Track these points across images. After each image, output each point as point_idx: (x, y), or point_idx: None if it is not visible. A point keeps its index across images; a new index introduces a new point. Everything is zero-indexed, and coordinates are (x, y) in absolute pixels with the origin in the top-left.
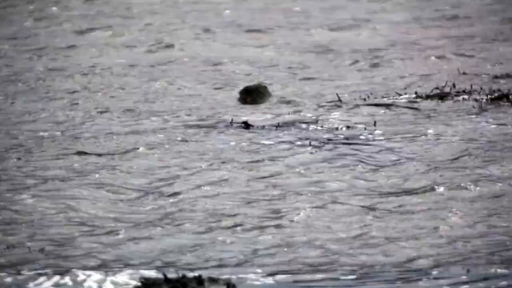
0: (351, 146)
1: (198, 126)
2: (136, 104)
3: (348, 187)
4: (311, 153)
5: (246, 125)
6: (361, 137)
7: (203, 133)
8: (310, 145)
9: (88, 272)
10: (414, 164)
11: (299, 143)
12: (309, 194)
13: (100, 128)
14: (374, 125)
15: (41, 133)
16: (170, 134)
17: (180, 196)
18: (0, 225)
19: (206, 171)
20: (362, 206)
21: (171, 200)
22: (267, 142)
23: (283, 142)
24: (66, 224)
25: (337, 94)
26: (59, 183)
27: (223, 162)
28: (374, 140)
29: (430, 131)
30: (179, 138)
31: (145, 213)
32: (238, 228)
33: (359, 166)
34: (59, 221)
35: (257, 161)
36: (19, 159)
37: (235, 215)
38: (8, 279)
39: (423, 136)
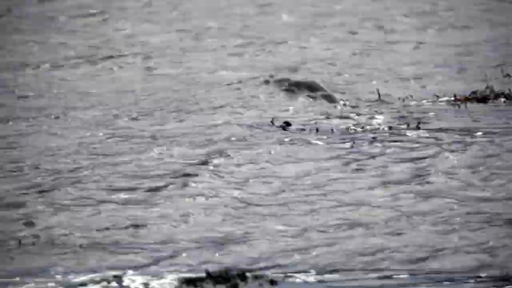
0: (412, 149)
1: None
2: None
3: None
4: (384, 154)
5: (287, 124)
6: (413, 137)
7: (253, 132)
8: (377, 146)
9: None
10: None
11: (358, 144)
12: (413, 196)
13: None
14: (418, 126)
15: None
16: (235, 134)
17: (273, 198)
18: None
19: (299, 173)
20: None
21: (269, 201)
22: (320, 143)
23: (340, 143)
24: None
25: (377, 90)
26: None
27: (302, 163)
28: (429, 141)
29: (478, 133)
30: (248, 137)
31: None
32: (329, 230)
33: (435, 168)
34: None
35: (345, 164)
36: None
37: (343, 218)
38: (61, 278)
39: (478, 138)
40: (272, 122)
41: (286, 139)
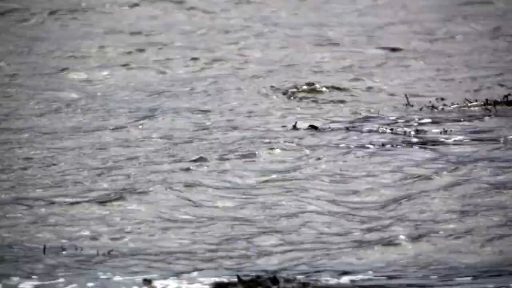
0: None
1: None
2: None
3: None
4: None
5: (313, 128)
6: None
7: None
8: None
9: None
10: None
11: (402, 147)
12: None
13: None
14: (450, 133)
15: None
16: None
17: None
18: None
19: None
20: None
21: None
22: (371, 147)
23: (387, 147)
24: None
25: (405, 95)
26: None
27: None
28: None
29: None
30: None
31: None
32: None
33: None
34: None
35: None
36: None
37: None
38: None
39: None
40: (294, 126)
41: None
